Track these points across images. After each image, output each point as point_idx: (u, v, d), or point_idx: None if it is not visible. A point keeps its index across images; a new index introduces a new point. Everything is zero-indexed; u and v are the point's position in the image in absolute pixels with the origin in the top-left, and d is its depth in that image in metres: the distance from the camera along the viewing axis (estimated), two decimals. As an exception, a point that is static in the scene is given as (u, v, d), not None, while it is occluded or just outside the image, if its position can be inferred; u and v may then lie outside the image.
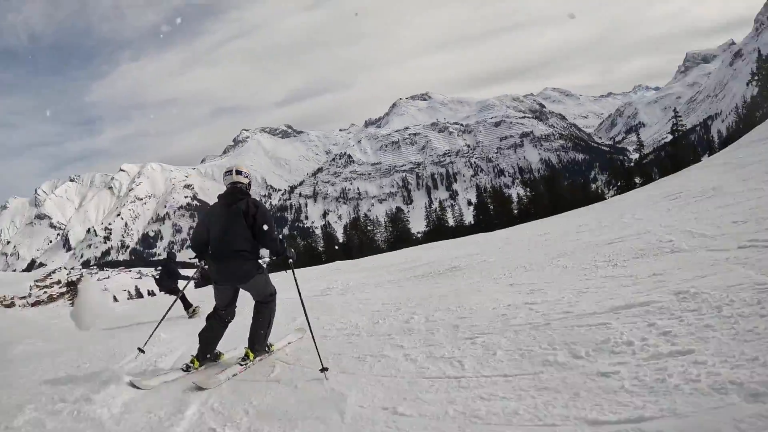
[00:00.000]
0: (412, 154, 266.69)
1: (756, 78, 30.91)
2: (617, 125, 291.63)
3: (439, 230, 30.60)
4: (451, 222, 34.86)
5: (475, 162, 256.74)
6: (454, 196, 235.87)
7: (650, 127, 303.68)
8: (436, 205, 45.42)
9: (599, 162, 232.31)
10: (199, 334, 2.73)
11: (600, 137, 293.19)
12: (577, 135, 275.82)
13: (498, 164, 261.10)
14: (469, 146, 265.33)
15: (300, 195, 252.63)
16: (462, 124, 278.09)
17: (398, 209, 39.14)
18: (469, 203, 56.63)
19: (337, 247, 29.19)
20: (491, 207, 30.75)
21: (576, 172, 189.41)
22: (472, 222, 32.84)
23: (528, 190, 30.83)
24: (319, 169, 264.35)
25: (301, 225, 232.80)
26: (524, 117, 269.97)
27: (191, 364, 2.66)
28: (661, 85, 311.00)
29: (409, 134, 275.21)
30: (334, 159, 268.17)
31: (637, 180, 24.88)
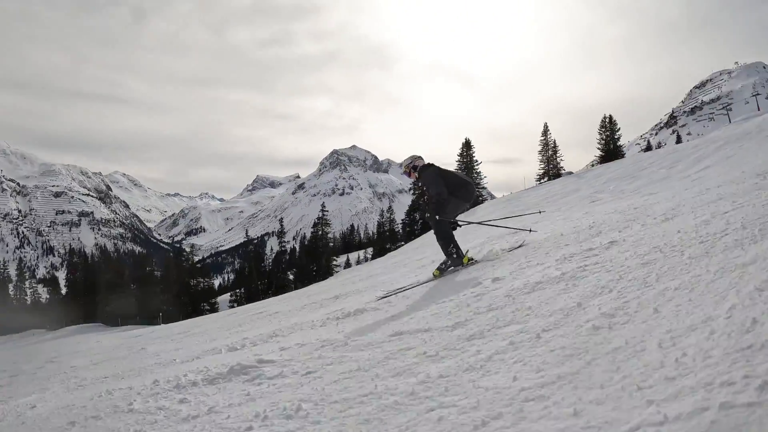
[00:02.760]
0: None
1: (412, 188, 69.50)
2: (179, 225, 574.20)
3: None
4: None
5: (23, 232, 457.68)
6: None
7: (210, 233, 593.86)
8: None
9: (156, 258, 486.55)
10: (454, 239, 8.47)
11: (160, 234, 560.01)
12: (138, 227, 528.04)
13: (49, 240, 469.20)
14: (20, 212, 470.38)
15: None
16: (19, 184, 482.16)
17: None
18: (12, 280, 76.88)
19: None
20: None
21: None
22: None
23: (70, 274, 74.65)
24: None
25: None
26: (88, 195, 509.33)
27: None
28: (227, 197, 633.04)
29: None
30: None
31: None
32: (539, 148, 59.43)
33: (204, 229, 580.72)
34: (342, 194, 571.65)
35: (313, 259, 64.87)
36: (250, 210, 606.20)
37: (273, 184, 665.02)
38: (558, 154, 59.17)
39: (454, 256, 8.14)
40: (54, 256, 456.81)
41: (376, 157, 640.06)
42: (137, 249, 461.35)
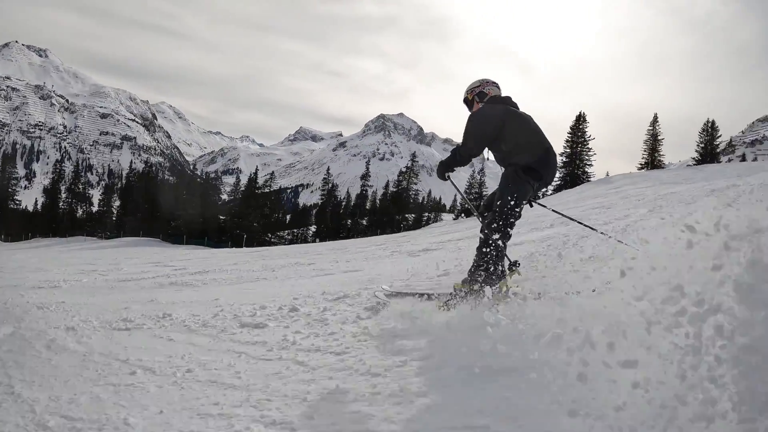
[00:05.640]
0: (2, 111, 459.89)
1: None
2: (216, 163, 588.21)
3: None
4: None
5: (66, 147, 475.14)
6: (30, 177, 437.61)
7: (245, 175, 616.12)
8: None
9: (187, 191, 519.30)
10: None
11: (197, 168, 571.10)
12: (177, 158, 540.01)
13: (89, 158, 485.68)
14: (65, 128, 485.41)
15: None
16: (68, 101, 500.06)
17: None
18: (45, 190, 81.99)
19: None
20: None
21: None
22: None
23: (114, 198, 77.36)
24: None
25: None
26: (134, 120, 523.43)
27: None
28: (267, 144, 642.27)
29: (8, 86, 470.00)
30: None
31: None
32: (645, 137, 57.54)
33: (240, 171, 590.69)
34: (382, 159, 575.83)
35: (397, 210, 63.32)
36: (288, 159, 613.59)
37: (315, 138, 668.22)
38: (660, 148, 57.26)
39: (491, 269, 4.88)
40: (92, 174, 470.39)
41: (421, 128, 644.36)
42: (172, 179, 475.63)
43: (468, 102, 5.58)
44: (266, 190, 68.26)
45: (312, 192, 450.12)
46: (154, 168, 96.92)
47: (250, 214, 59.92)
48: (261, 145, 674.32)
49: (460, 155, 5.20)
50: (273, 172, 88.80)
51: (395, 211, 63.01)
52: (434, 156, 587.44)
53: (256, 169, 70.13)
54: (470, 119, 5.19)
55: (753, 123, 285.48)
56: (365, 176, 72.51)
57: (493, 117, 5.08)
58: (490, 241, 4.83)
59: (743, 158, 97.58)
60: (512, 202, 4.88)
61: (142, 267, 15.81)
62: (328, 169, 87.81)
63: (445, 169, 5.41)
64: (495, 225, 4.85)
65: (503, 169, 5.16)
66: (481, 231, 5.00)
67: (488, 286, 4.58)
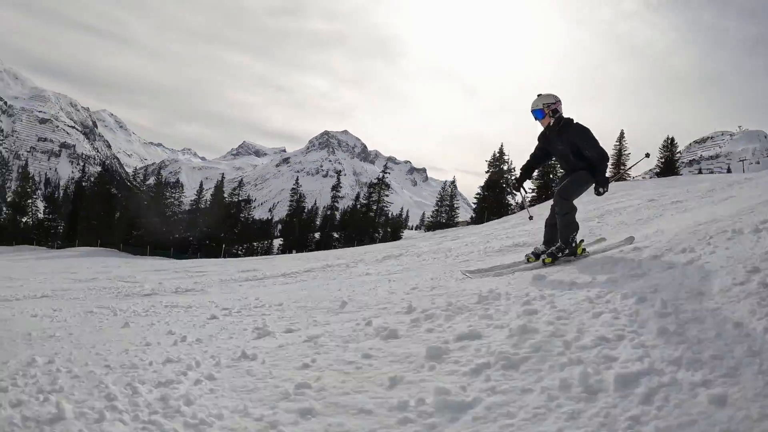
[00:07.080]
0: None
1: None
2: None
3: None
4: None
5: (2, 152, 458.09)
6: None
7: (188, 189, 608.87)
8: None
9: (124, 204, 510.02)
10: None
11: (137, 181, 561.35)
12: (117, 169, 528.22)
13: (26, 165, 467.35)
14: (2, 131, 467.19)
15: None
16: (6, 103, 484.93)
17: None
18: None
19: None
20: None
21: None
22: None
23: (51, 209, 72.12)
24: None
25: None
26: (74, 127, 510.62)
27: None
28: (209, 157, 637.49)
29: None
30: None
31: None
32: (611, 152, 58.72)
33: (182, 185, 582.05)
34: (325, 176, 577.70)
35: (365, 224, 62.04)
36: (230, 174, 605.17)
37: (258, 153, 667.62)
38: (627, 163, 63.30)
39: (573, 245, 6.73)
40: (28, 182, 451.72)
41: (365, 146, 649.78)
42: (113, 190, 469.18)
43: (540, 113, 6.69)
44: (235, 199, 68.38)
45: (255, 208, 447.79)
46: (107, 174, 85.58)
47: (224, 224, 59.19)
48: (203, 158, 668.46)
49: (606, 156, 6.68)
50: (242, 179, 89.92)
51: (369, 225, 61.77)
52: (377, 173, 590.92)
53: (222, 177, 74.00)
54: (582, 133, 6.56)
55: (690, 144, 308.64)
56: (336, 187, 70.98)
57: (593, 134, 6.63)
58: (572, 220, 6.64)
59: (699, 171, 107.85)
60: (579, 194, 6.90)
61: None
62: (297, 179, 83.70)
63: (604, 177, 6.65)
64: (572, 208, 6.66)
65: (571, 171, 6.77)
66: (559, 214, 6.64)
67: (573, 255, 6.68)
